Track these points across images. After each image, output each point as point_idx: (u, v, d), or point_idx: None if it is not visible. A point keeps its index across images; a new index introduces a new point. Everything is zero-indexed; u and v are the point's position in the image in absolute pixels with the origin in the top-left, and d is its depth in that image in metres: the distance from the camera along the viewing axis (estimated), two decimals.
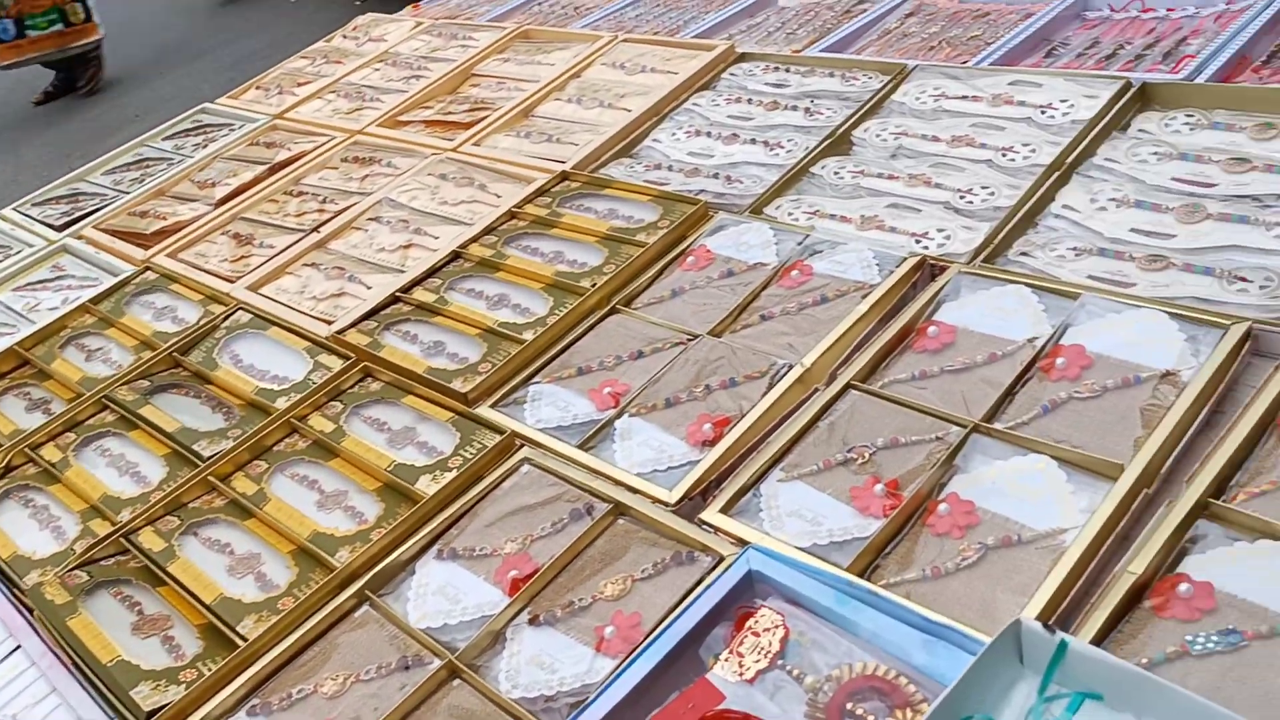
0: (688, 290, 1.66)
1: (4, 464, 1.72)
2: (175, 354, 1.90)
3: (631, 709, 1.08)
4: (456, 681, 1.21)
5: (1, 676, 1.37)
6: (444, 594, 1.32)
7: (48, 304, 2.22)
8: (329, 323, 1.85)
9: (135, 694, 1.25)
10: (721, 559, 1.21)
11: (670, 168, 2.01)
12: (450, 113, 2.50)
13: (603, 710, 1.08)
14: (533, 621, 1.25)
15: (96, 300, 2.15)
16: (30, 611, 1.44)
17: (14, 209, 2.72)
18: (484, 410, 1.56)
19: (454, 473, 1.46)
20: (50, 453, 1.74)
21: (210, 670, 1.27)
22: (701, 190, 1.90)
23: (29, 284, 2.33)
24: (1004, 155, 1.67)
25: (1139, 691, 0.88)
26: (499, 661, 1.22)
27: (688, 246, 1.74)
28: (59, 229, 2.52)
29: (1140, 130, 1.62)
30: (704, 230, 1.76)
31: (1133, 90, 1.69)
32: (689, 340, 1.55)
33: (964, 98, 1.84)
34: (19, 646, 1.40)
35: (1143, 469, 1.12)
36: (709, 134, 2.06)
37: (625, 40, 2.50)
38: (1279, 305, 1.28)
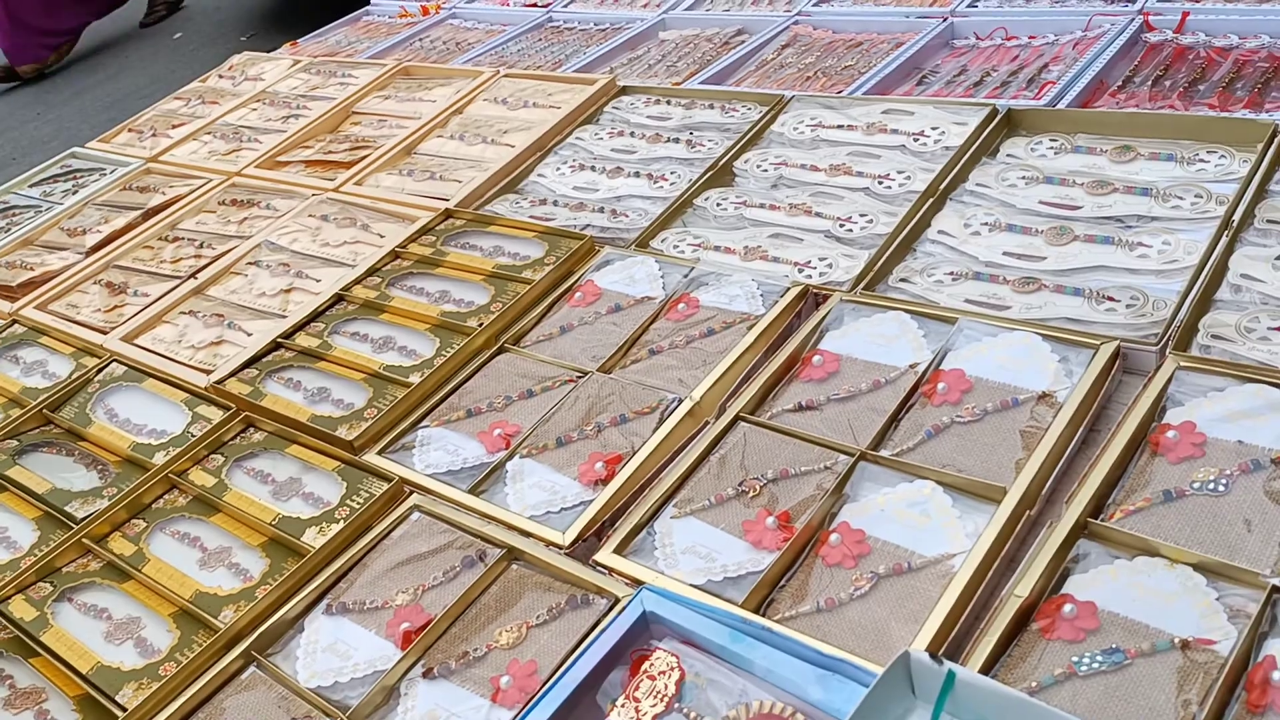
0: (576, 326, 1.63)
1: None
2: (46, 411, 1.80)
3: None
4: None
5: None
6: (334, 651, 1.26)
7: None
8: (208, 372, 1.77)
9: None
10: (617, 601, 1.18)
11: (556, 202, 1.99)
12: (331, 152, 2.43)
13: None
14: (427, 674, 1.20)
15: None
16: None
17: None
18: (371, 457, 1.51)
19: (341, 524, 1.40)
20: None
21: None
22: (587, 225, 1.88)
23: None
24: (880, 183, 1.69)
25: (1026, 718, 0.88)
26: (394, 719, 1.17)
27: (575, 282, 1.72)
28: None
29: (1008, 155, 1.66)
30: (590, 265, 1.74)
31: (999, 116, 1.73)
32: (579, 378, 1.52)
33: (840, 127, 1.86)
34: None
35: (1024, 491, 1.13)
36: (593, 168, 2.04)
37: (507, 75, 2.48)
38: (1145, 324, 1.31)
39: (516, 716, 1.09)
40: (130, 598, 1.41)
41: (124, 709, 1.23)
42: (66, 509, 1.56)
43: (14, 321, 2.12)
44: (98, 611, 1.40)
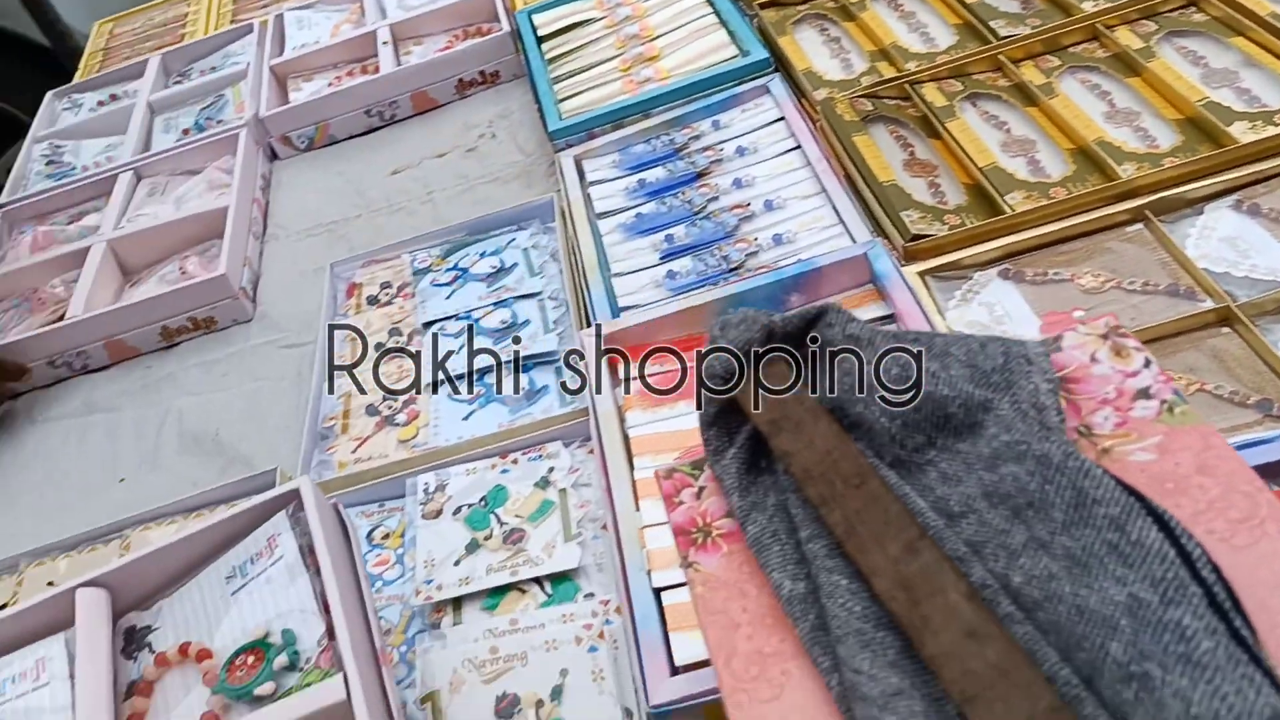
0: None
1: None
2: None
3: None
4: (1227, 330, 1.05)
5: (783, 165, 1.44)
6: (1232, 244, 1.13)
7: None
8: None
9: (904, 215, 1.25)
10: None
11: None
12: None
13: None
14: None
15: None
16: (813, 122, 1.48)
17: None
18: None
19: (1278, 129, 1.21)
20: None
21: (973, 223, 1.23)
22: None
23: None
24: None
25: None
26: None
27: None
28: None
29: None
30: None
31: None
32: None
33: None
34: (798, 146, 1.45)
35: None
36: None
37: None
38: None
39: None
40: (1031, 121, 1.38)
41: (1011, 209, 1.23)
42: (990, 24, 1.54)
43: None
44: (998, 123, 1.40)
